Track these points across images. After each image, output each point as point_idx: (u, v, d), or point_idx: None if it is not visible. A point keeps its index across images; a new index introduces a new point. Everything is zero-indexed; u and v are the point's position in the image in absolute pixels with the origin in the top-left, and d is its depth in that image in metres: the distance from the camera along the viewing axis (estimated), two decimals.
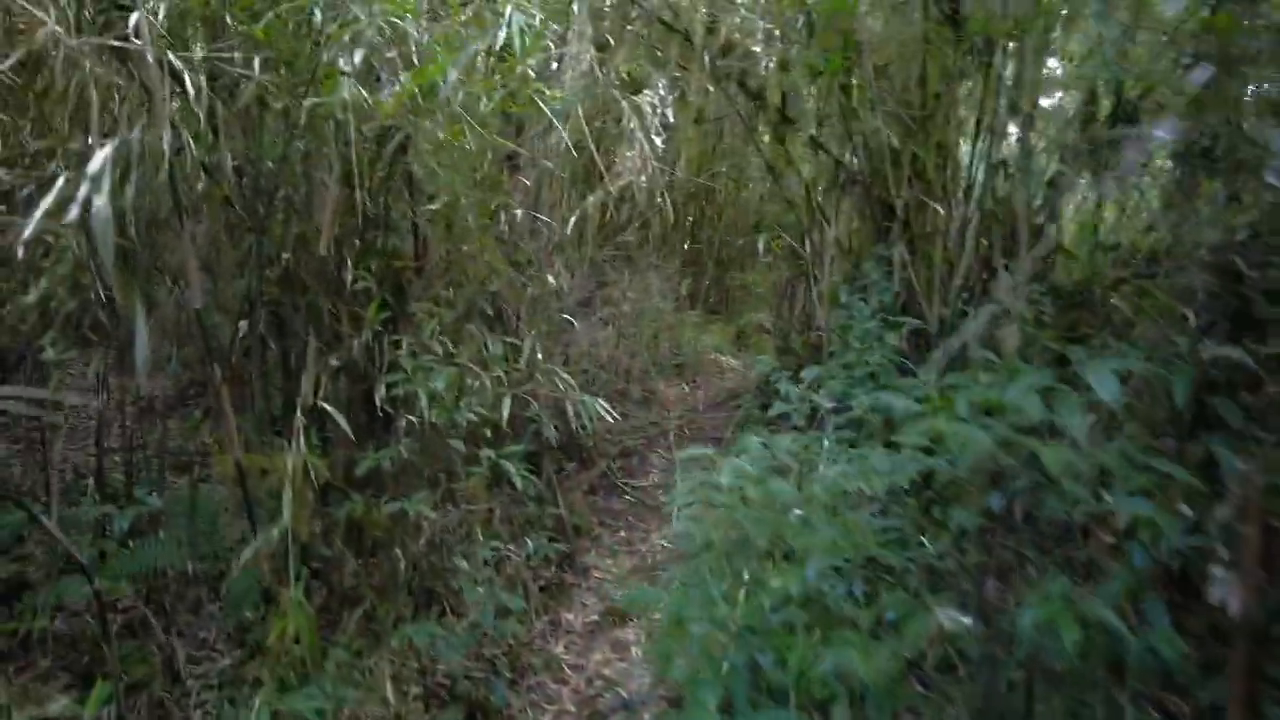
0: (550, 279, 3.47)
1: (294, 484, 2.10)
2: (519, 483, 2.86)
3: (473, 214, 3.04)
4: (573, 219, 3.64)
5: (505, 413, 2.85)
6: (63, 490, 4.47)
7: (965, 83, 4.02)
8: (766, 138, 4.77)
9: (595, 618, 3.92)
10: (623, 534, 4.96)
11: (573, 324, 4.23)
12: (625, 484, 5.53)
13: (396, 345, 2.73)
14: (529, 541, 3.60)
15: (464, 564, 2.72)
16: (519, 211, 3.28)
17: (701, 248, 10.27)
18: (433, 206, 2.90)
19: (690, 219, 10.06)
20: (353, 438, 2.42)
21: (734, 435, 6.09)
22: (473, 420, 2.76)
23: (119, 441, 4.16)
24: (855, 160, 4.22)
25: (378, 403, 2.61)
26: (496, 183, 3.20)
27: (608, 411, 3.13)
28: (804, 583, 1.46)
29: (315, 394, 2.31)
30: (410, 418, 2.73)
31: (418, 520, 2.64)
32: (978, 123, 4.11)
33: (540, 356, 3.35)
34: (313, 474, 2.67)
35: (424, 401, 2.50)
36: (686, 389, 8.06)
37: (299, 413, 2.16)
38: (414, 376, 2.58)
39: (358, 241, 2.92)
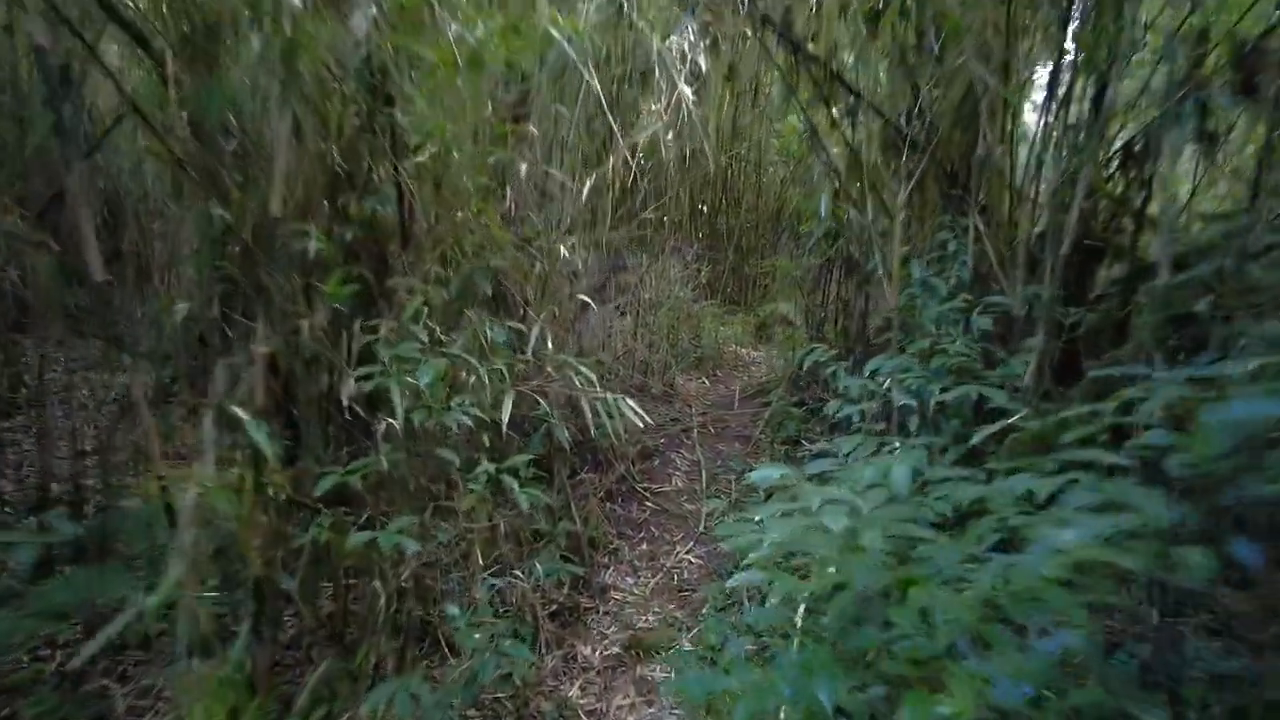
0: (564, 251, 2.90)
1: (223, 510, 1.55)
2: (523, 502, 2.30)
3: (469, 171, 2.46)
4: (588, 184, 3.07)
5: (506, 414, 2.28)
6: (20, 500, 3.98)
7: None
8: (805, 95, 4.19)
9: (616, 650, 3.36)
10: (644, 547, 4.41)
11: (590, 304, 3.64)
12: (646, 489, 4.97)
13: (372, 330, 2.16)
14: (538, 565, 3.04)
15: (454, 609, 2.16)
16: (524, 165, 2.70)
17: (720, 234, 9.77)
18: (419, 159, 2.33)
19: (704, 205, 9.57)
20: (281, 450, 1.86)
21: (766, 434, 5.53)
22: (467, 423, 2.19)
23: (72, 448, 3.66)
24: (916, 122, 3.62)
25: (344, 401, 2.05)
26: (500, 135, 2.64)
27: (636, 413, 2.55)
28: (986, 703, 0.91)
29: (259, 391, 1.77)
30: (390, 420, 2.17)
31: (398, 551, 2.09)
32: (1057, 82, 3.53)
33: (551, 347, 2.77)
34: (271, 491, 2.12)
35: (397, 400, 1.94)
36: (707, 383, 7.53)
37: (207, 422, 1.61)
38: (390, 369, 2.03)
39: (326, 204, 2.36)
